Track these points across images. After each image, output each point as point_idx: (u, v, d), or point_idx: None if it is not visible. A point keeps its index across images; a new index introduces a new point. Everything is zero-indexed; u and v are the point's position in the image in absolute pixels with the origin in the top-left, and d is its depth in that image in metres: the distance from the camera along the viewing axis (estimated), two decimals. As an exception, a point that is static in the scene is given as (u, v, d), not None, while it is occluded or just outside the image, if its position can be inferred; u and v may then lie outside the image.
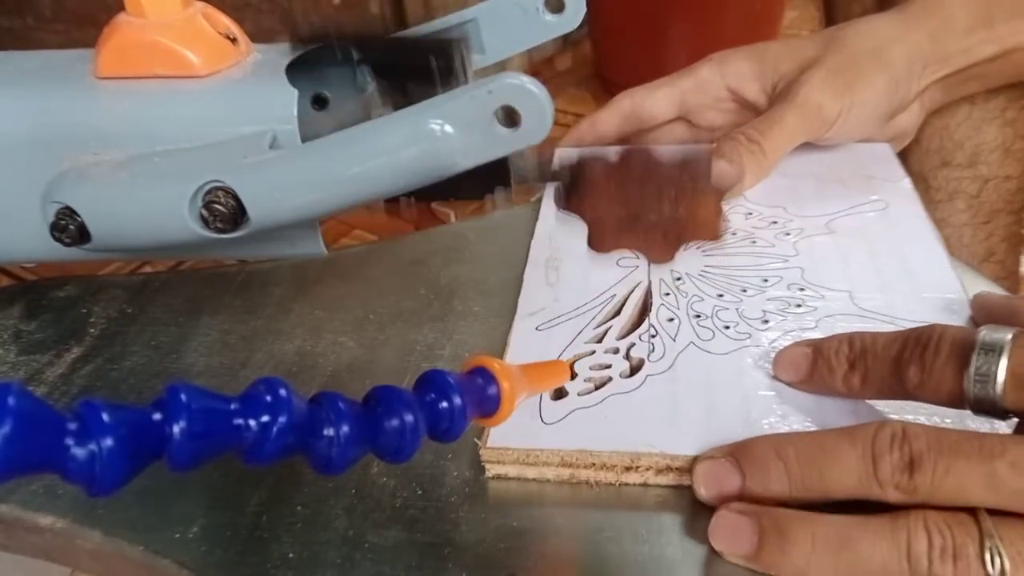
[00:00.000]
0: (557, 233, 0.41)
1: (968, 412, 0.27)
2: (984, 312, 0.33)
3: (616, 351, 0.33)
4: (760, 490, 0.26)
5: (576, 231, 0.41)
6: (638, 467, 0.28)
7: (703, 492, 0.27)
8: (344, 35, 0.28)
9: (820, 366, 0.30)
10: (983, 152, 0.52)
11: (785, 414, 0.30)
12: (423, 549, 0.27)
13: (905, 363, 0.27)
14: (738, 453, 0.27)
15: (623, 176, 0.29)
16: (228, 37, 0.30)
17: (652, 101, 0.48)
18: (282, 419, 0.20)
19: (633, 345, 0.34)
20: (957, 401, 0.26)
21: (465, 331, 0.37)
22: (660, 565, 0.26)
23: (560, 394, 0.31)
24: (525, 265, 0.39)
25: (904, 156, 0.54)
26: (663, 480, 0.29)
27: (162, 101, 0.28)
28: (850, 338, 0.30)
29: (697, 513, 0.28)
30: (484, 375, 0.25)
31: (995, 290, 0.37)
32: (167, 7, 0.28)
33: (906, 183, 0.43)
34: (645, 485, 0.29)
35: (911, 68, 0.44)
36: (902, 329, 0.29)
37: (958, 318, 0.33)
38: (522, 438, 0.29)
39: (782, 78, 0.45)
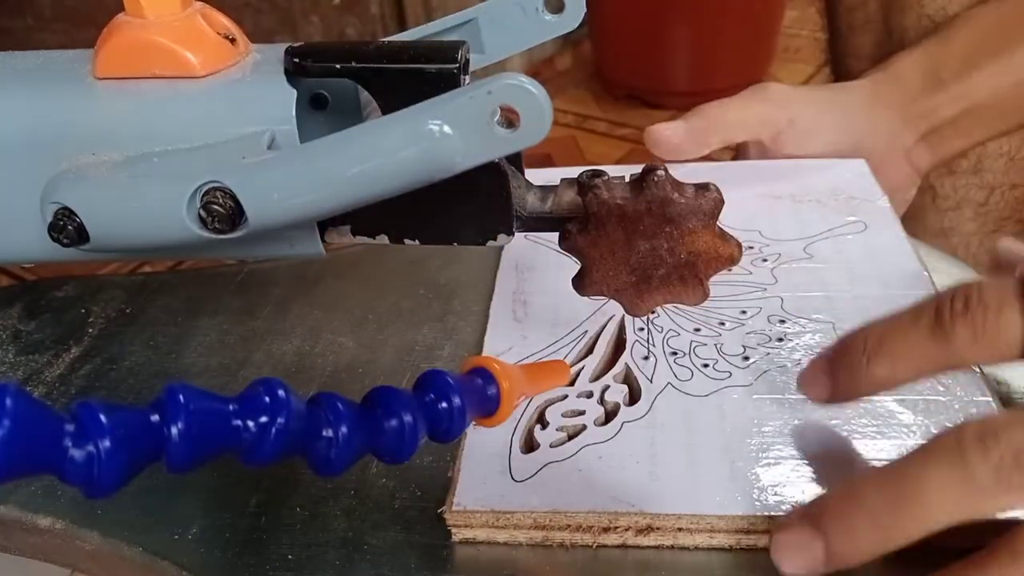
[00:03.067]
0: (524, 263, 0.39)
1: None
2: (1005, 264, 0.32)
3: (590, 395, 0.31)
4: (849, 549, 0.23)
5: (545, 261, 0.39)
6: (616, 528, 0.27)
7: (787, 570, 0.24)
8: (343, 49, 0.28)
9: (840, 369, 0.27)
10: (987, 159, 0.52)
11: (772, 461, 0.28)
12: (422, 551, 0.27)
13: (949, 325, 0.24)
14: (811, 514, 0.24)
15: (633, 230, 0.28)
16: (227, 37, 0.30)
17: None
18: (281, 420, 0.20)
19: (607, 388, 0.32)
20: (1021, 352, 0.24)
21: (464, 331, 0.37)
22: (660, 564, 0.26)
23: (531, 447, 0.29)
24: (491, 299, 0.37)
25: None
26: (644, 541, 0.27)
27: (161, 101, 0.28)
28: (862, 331, 0.27)
29: (687, 572, 0.26)
30: (484, 375, 0.25)
31: None
32: (166, 7, 0.28)
33: (884, 202, 0.41)
34: (624, 546, 0.27)
35: (872, 112, 0.46)
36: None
37: None
38: (491, 498, 0.27)
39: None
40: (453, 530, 0.27)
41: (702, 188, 0.28)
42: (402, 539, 0.28)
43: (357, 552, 0.27)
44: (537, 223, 0.29)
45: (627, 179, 0.28)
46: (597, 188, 0.27)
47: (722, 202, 0.27)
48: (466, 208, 0.29)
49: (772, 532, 0.25)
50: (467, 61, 0.29)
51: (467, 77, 0.29)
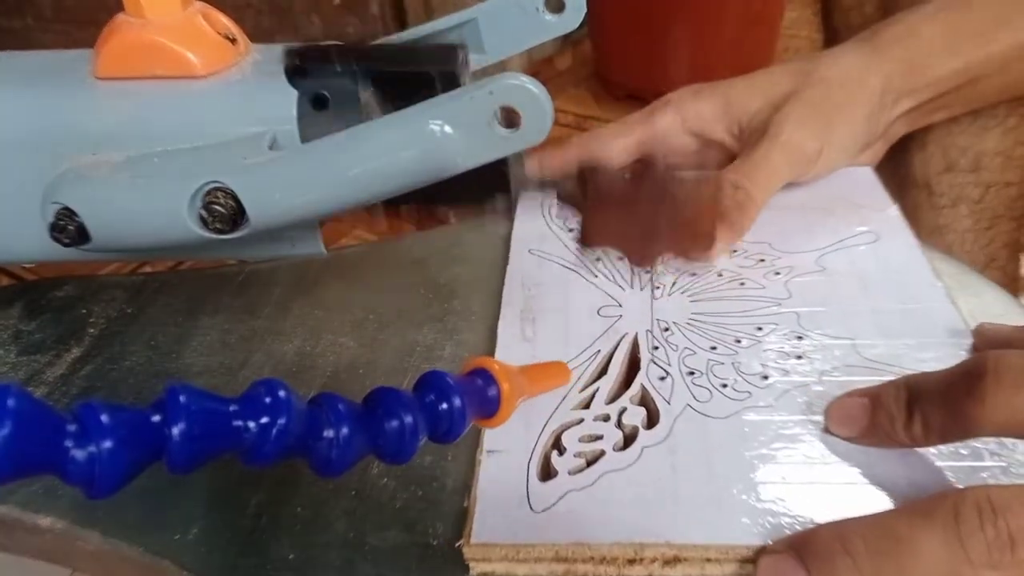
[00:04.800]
0: (530, 279, 0.38)
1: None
2: (994, 345, 0.31)
3: (607, 418, 0.30)
4: None
5: (551, 277, 0.38)
6: (643, 559, 0.26)
7: None
8: (343, 50, 0.28)
9: (880, 417, 0.28)
10: (985, 158, 0.52)
11: (798, 488, 0.27)
12: (423, 551, 0.27)
13: (963, 399, 0.25)
14: (799, 547, 0.25)
15: (632, 191, 0.27)
16: (228, 37, 0.30)
17: (608, 151, 0.45)
18: (281, 421, 0.20)
19: (624, 410, 0.31)
20: None
21: (465, 331, 0.37)
22: None
23: (548, 474, 0.28)
24: (497, 319, 0.36)
25: (908, 161, 0.54)
26: (670, 572, 0.26)
27: (161, 101, 0.28)
28: (906, 382, 0.28)
29: None
30: (484, 376, 0.25)
31: (1001, 293, 0.37)
32: (167, 7, 0.28)
33: (894, 211, 0.41)
34: None
35: (883, 101, 0.43)
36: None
37: (967, 356, 0.31)
38: (510, 531, 0.26)
39: (754, 116, 0.43)
40: (471, 564, 0.26)
41: (702, 177, 0.27)
42: (403, 539, 0.28)
43: (358, 553, 0.27)
44: (532, 183, 0.29)
45: (627, 174, 0.28)
46: (596, 181, 0.27)
47: (722, 186, 0.27)
48: (467, 191, 0.28)
49: (760, 556, 0.25)
50: (467, 61, 0.29)
51: (467, 77, 0.29)
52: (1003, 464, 0.27)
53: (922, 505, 0.24)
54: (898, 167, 0.54)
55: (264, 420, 0.20)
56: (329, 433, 0.21)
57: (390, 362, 0.35)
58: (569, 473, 0.28)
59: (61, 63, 0.31)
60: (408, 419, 0.22)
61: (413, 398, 0.23)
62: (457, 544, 0.26)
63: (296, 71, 0.28)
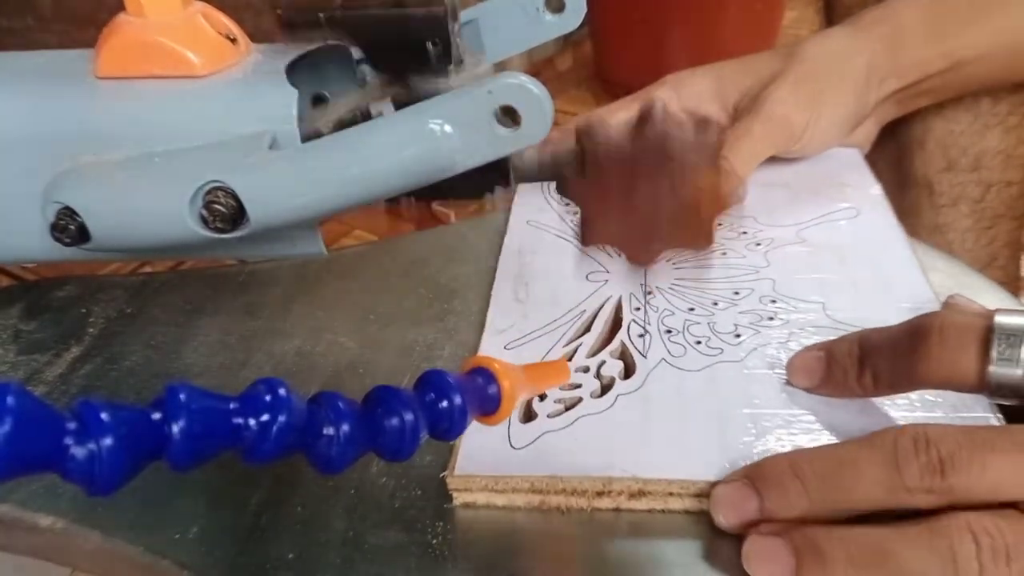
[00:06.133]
0: (526, 247, 0.40)
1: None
2: None
3: (586, 370, 0.32)
4: (780, 511, 0.25)
5: (546, 245, 0.40)
6: (610, 492, 0.28)
7: (721, 520, 0.26)
8: (331, 11, 0.27)
9: (835, 369, 0.29)
10: (986, 157, 0.53)
11: (760, 432, 0.29)
12: (423, 550, 0.27)
13: (910, 354, 0.27)
14: (752, 475, 0.26)
15: (631, 170, 0.27)
16: (228, 37, 0.30)
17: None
18: (282, 418, 0.20)
19: (603, 363, 0.33)
20: (975, 386, 0.26)
21: (465, 331, 0.37)
22: (660, 564, 0.27)
23: (529, 416, 0.30)
24: (493, 280, 0.38)
25: (908, 160, 0.54)
26: (636, 505, 0.28)
27: (162, 101, 0.28)
28: (859, 336, 0.29)
29: (677, 535, 0.27)
30: (484, 375, 0.25)
31: (1001, 293, 0.37)
32: (167, 7, 0.28)
33: (876, 190, 0.42)
34: (618, 510, 0.28)
35: (869, 79, 0.44)
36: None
37: None
38: (490, 464, 0.28)
39: (744, 95, 0.44)
40: (454, 494, 0.28)
41: (702, 123, 0.27)
42: (402, 539, 0.28)
43: (358, 551, 0.27)
44: (535, 173, 0.29)
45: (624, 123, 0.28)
46: (594, 132, 0.27)
47: (723, 135, 0.28)
48: (466, 181, 0.28)
49: (714, 488, 0.27)
50: (455, 10, 0.28)
51: (457, 24, 0.28)
52: (955, 415, 0.29)
53: (867, 437, 0.25)
54: (898, 166, 0.54)
55: (264, 418, 0.20)
56: (329, 431, 0.21)
57: (390, 362, 0.35)
58: (548, 416, 0.30)
59: (61, 63, 0.31)
60: (408, 417, 0.22)
61: (413, 396, 0.23)
62: (441, 475, 0.28)
63: (285, 24, 0.28)
